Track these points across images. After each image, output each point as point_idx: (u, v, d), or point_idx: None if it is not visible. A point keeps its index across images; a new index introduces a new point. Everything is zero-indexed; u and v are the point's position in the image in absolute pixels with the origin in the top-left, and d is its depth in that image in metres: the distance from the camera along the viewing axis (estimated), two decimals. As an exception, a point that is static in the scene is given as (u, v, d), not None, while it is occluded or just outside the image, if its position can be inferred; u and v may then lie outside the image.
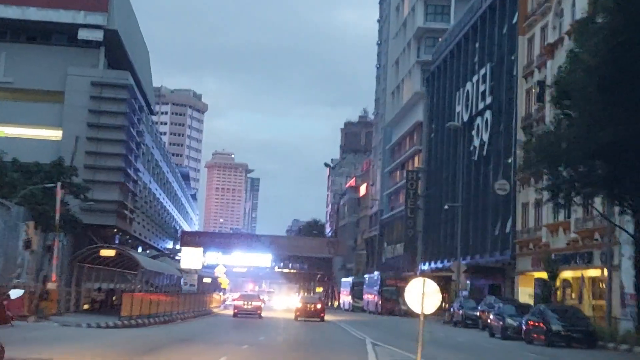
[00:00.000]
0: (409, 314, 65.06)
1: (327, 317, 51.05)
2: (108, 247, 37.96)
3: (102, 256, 37.80)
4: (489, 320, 38.05)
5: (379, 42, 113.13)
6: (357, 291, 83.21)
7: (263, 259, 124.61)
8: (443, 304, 79.89)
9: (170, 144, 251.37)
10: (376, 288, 72.70)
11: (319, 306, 50.38)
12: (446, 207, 58.69)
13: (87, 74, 66.15)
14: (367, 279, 79.43)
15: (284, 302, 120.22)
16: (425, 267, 75.52)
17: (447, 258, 69.38)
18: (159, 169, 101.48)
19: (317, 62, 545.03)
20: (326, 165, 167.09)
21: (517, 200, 52.77)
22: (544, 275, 48.71)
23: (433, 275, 74.16)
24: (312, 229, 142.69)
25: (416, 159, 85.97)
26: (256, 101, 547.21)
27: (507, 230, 54.71)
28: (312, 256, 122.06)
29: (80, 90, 65.34)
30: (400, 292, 69.86)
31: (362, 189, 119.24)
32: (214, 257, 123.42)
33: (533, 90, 50.51)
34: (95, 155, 64.70)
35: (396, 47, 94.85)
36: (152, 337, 28.20)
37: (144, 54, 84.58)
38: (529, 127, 51.22)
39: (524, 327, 32.88)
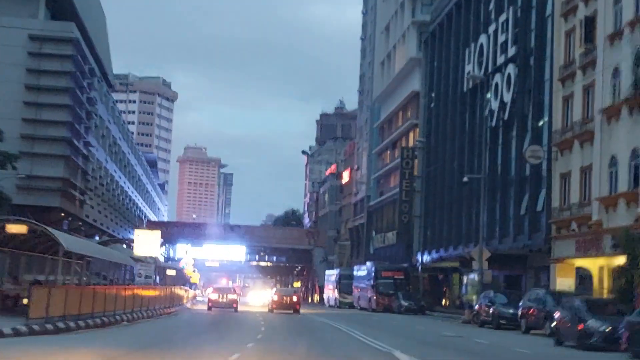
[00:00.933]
0: (411, 310, 54.56)
1: (313, 314, 47.64)
2: (17, 221, 26.80)
3: (11, 234, 26.67)
4: (555, 323, 27.18)
5: (364, 11, 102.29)
6: (344, 285, 72.52)
7: (237, 251, 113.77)
8: (444, 300, 69.95)
9: (138, 133, 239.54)
10: (369, 281, 62.05)
11: (294, 299, 51.01)
12: (465, 179, 47.71)
13: (24, 26, 54.89)
14: (357, 270, 68.70)
15: (260, 297, 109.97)
16: (425, 257, 64.96)
17: (453, 245, 58.89)
18: (117, 148, 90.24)
19: (290, 56, 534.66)
20: (304, 152, 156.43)
21: (554, 170, 42.17)
22: (589, 262, 38.27)
23: (434, 266, 63.63)
24: (290, 219, 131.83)
25: (411, 135, 75.34)
26: (229, 95, 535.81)
27: (539, 208, 44.20)
28: (290, 248, 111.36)
29: (15, 45, 54.10)
30: (398, 285, 59.23)
31: (345, 176, 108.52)
32: (183, 249, 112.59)
33: (578, 30, 39.95)
34: (35, 124, 53.68)
35: (386, 10, 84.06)
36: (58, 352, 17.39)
37: (98, 16, 73.20)
38: (570, 78, 40.74)
39: (624, 334, 22.02)
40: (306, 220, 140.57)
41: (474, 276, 60.09)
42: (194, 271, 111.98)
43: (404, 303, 54.67)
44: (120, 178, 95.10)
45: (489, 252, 42.89)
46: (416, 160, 70.19)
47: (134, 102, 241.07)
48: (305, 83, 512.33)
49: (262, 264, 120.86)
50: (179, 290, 51.88)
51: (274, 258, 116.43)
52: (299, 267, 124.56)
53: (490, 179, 50.22)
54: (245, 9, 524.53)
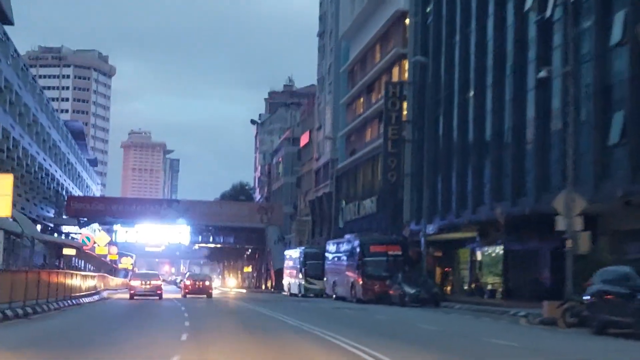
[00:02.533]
0: (420, 300, 36.75)
1: (264, 306, 35.96)
2: None
3: None
4: None
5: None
6: (311, 267, 54.56)
7: (179, 233, 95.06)
8: (448, 285, 52.33)
9: (74, 111, 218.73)
10: (351, 260, 43.68)
11: (207, 283, 51.47)
12: (542, 73, 29.28)
13: None
14: (331, 247, 50.34)
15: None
16: (420, 227, 47.34)
17: (471, 208, 41.33)
18: (23, 107, 70.90)
19: (235, 45, 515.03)
20: (253, 122, 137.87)
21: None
22: None
23: (437, 238, 45.97)
24: (238, 194, 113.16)
25: (395, 70, 57.46)
26: (173, 84, 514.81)
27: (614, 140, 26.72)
28: (239, 227, 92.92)
29: None
30: (393, 264, 41.34)
31: (304, 139, 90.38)
32: (122, 233, 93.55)
33: None
34: None
35: None
36: None
37: None
38: None
39: None
40: (257, 197, 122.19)
41: (494, 249, 42.80)
42: (119, 255, 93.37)
43: (409, 290, 36.61)
44: (30, 146, 75.73)
45: (583, 200, 24.94)
46: (404, 101, 52.40)
47: (68, 77, 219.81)
48: (251, 71, 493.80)
49: (209, 246, 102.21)
50: (69, 280, 33.68)
51: (221, 239, 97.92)
52: (250, 249, 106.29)
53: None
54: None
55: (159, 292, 45.70)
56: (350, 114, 69.29)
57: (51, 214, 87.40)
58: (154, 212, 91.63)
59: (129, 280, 51.52)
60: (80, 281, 38.51)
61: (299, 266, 56.47)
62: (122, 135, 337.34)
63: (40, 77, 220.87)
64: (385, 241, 43.58)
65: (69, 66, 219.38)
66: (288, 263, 62.14)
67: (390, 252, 41.68)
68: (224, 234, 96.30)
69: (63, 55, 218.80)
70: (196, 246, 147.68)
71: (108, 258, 75.93)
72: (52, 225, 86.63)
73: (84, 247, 42.72)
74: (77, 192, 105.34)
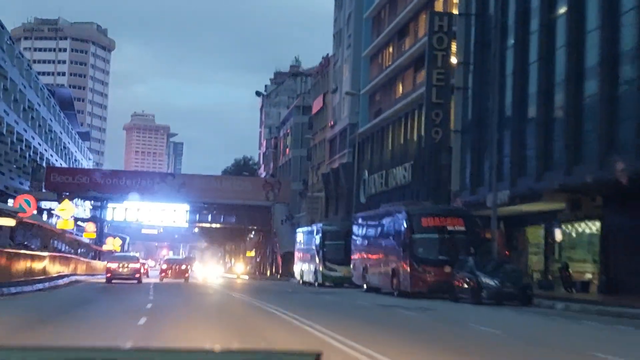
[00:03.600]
0: (505, 296, 24.88)
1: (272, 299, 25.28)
2: None
3: None
4: None
5: None
6: (331, 249, 42.75)
7: (173, 212, 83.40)
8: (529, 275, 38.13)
9: (70, 86, 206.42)
10: (393, 239, 31.50)
11: (183, 267, 50.94)
12: None
13: None
14: (361, 222, 38.13)
15: (205, 271, 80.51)
16: (476, 197, 35.51)
17: (546, 172, 29.45)
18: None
19: (238, 28, 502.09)
20: (258, 93, 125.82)
21: None
22: None
23: (503, 212, 34.02)
24: (242, 170, 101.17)
25: (438, 4, 45.34)
26: (176, 68, 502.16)
27: None
28: (241, 204, 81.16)
29: None
30: (454, 244, 29.46)
31: (316, 104, 78.41)
32: (120, 211, 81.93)
33: None
34: None
35: None
36: None
37: None
38: None
39: None
40: (262, 174, 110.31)
41: (587, 226, 31.09)
42: (105, 235, 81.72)
43: (488, 282, 24.58)
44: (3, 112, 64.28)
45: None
46: (453, 43, 40.45)
47: (64, 50, 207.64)
48: (256, 54, 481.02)
49: (206, 225, 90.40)
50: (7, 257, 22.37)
51: (221, 218, 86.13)
52: (253, 231, 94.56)
53: None
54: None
55: (137, 275, 42.77)
56: (375, 68, 57.35)
57: (26, 187, 75.67)
58: (145, 187, 79.86)
59: (106, 263, 46.86)
60: (15, 262, 26.82)
61: (315, 248, 44.60)
62: (125, 119, 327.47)
63: (35, 50, 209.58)
64: (444, 212, 30.95)
65: (65, 39, 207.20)
66: (300, 245, 50.29)
67: (450, 228, 29.37)
68: (225, 213, 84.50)
69: (60, 27, 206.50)
70: (195, 229, 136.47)
71: (84, 237, 64.20)
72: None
73: (21, 215, 31.16)
74: (62, 162, 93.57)
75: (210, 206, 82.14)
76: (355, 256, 37.71)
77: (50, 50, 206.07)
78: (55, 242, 59.38)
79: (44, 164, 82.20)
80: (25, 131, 73.92)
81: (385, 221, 33.07)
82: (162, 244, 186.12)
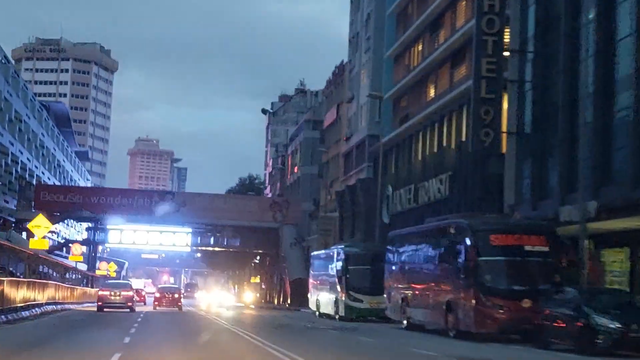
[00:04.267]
0: (633, 344, 17.03)
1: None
2: None
3: None
4: None
5: None
6: (357, 275, 35.28)
7: (173, 235, 76.18)
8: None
9: (72, 108, 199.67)
10: (448, 262, 23.70)
11: (176, 295, 49.82)
12: None
13: None
14: (399, 241, 30.35)
15: (210, 298, 73.03)
16: (538, 212, 28.14)
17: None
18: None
19: (241, 54, 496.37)
20: (264, 111, 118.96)
21: None
22: None
23: (598, 228, 26.41)
24: (247, 189, 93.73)
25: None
26: (180, 94, 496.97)
27: None
28: (247, 226, 73.93)
29: None
30: (535, 270, 21.79)
31: (329, 117, 71.20)
32: (115, 235, 74.80)
33: None
34: None
35: None
36: None
37: None
38: None
39: None
40: (269, 195, 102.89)
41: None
42: (99, 259, 74.42)
43: (607, 324, 17.00)
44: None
45: None
46: (505, 29, 33.21)
47: (67, 71, 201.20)
48: (257, 81, 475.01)
49: (209, 249, 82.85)
50: None
51: (225, 241, 78.64)
52: (259, 255, 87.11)
53: None
54: (194, 8, 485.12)
55: (129, 304, 40.81)
56: (400, 69, 50.13)
57: (12, 206, 68.44)
58: (142, 206, 72.59)
59: (98, 291, 45.15)
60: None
61: (335, 274, 37.03)
62: (129, 144, 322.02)
63: (37, 70, 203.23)
64: (520, 228, 23.46)
65: (67, 59, 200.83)
66: (317, 270, 42.76)
67: (528, 248, 22.03)
68: (229, 235, 77.10)
69: (62, 47, 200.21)
70: (198, 254, 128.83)
71: (69, 259, 56.63)
72: (13, 219, 67.67)
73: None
74: (54, 180, 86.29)
75: (214, 228, 74.69)
76: (390, 284, 30.17)
77: (51, 71, 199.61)
78: (44, 267, 52.11)
79: (34, 182, 74.96)
80: (12, 144, 66.76)
81: (435, 239, 25.56)
82: (164, 269, 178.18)
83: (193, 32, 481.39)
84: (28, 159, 73.35)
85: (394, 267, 30.01)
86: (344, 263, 35.88)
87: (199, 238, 75.11)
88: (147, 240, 74.69)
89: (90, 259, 75.06)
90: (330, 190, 68.53)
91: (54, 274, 55.02)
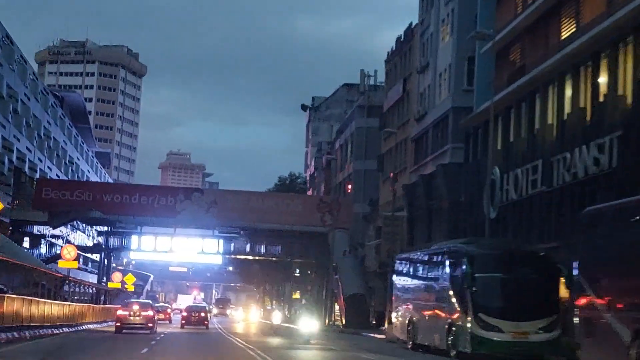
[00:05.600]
0: None
1: None
2: None
3: None
4: None
5: None
6: (489, 289, 21.80)
7: (201, 241, 63.34)
8: None
9: (97, 113, 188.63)
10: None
11: (202, 314, 49.02)
12: None
13: None
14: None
15: (244, 314, 60.28)
16: None
17: None
18: None
19: (271, 70, 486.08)
20: (304, 107, 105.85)
21: None
22: None
23: None
24: (287, 189, 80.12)
25: None
26: (212, 110, 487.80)
27: None
28: (290, 229, 60.72)
29: None
30: None
31: (392, 96, 57.74)
32: (133, 242, 62.17)
33: None
34: None
35: None
36: None
37: None
38: None
39: None
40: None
41: None
42: (110, 269, 61.85)
43: None
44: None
45: None
46: None
47: (92, 74, 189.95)
48: (290, 97, 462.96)
49: (243, 258, 69.47)
50: None
51: (262, 249, 65.35)
52: (298, 268, 73.81)
53: None
54: (228, 24, 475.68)
55: (150, 325, 37.60)
56: (505, 10, 36.54)
57: (5, 203, 55.66)
58: (165, 206, 59.63)
59: (117, 311, 40.99)
60: None
61: (450, 286, 23.35)
62: (160, 158, 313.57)
63: (61, 74, 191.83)
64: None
65: (93, 62, 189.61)
66: (406, 280, 28.98)
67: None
68: (267, 241, 63.88)
69: (87, 50, 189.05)
70: (229, 267, 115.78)
71: (59, 266, 43.30)
72: (7, 220, 55.05)
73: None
74: (61, 175, 73.57)
75: (250, 232, 61.47)
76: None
77: (77, 74, 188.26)
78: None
79: (31, 173, 62.26)
80: (4, 127, 54.18)
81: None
82: (193, 283, 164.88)
83: (224, 48, 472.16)
84: (28, 148, 60.72)
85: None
86: (467, 269, 22.19)
87: (232, 245, 61.92)
88: (170, 247, 61.64)
89: (102, 269, 62.14)
90: (393, 186, 55.01)
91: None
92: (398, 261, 30.39)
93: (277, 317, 47.46)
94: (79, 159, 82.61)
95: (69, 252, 38.11)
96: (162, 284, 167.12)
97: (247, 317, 59.91)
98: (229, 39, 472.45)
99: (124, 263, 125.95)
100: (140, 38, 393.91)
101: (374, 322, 48.88)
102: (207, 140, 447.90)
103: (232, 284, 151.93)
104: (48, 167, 67.84)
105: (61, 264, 41.94)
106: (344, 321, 54.64)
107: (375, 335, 40.49)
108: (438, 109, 45.79)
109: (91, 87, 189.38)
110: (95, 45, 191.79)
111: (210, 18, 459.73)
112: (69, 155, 77.21)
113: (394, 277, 30.15)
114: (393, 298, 29.95)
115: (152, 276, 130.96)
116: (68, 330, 35.69)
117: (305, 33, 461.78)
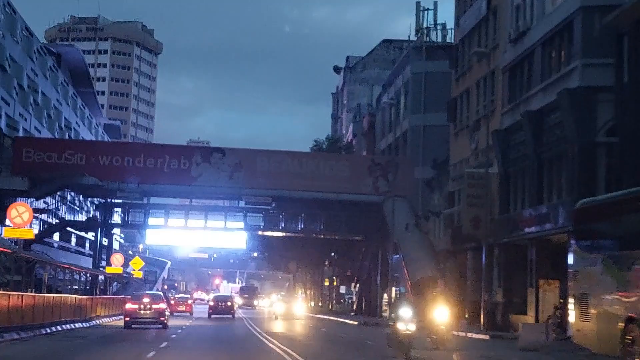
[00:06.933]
0: None
1: None
2: None
3: None
4: None
5: None
6: None
7: (233, 236, 50.54)
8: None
9: (111, 93, 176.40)
10: None
11: (229, 303, 48.94)
12: None
13: None
14: None
15: (279, 307, 47.89)
16: None
17: None
18: None
19: (291, 59, 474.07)
20: (336, 69, 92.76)
21: None
22: None
23: None
24: (331, 150, 65.86)
25: None
26: (231, 100, 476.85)
27: None
28: (335, 199, 47.42)
29: None
30: None
31: (469, 19, 44.10)
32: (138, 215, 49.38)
33: None
34: None
35: None
36: None
37: None
38: None
39: None
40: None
41: None
42: (109, 250, 49.13)
43: None
44: None
45: None
46: None
47: (105, 52, 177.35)
48: (310, 86, 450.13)
49: (269, 234, 56.00)
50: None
51: (300, 225, 52.02)
52: (336, 250, 60.63)
53: None
54: (245, 15, 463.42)
55: (162, 319, 34.41)
56: None
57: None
58: (177, 170, 46.57)
59: (125, 304, 36.60)
60: None
61: None
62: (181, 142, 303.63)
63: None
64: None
65: (106, 40, 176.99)
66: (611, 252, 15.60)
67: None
68: (307, 215, 50.60)
69: (100, 26, 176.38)
70: (254, 253, 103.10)
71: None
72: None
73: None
74: (45, 133, 60.41)
75: (290, 204, 48.19)
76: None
77: (89, 52, 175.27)
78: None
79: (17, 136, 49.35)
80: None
81: None
82: (215, 271, 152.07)
83: (242, 38, 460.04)
84: (4, 100, 47.67)
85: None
86: None
87: (262, 215, 48.80)
88: (184, 222, 48.56)
89: (97, 251, 49.15)
90: (474, 137, 41.51)
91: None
92: (593, 217, 16.93)
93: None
94: (78, 125, 69.56)
95: (20, 213, 24.85)
96: (182, 272, 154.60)
97: (289, 312, 46.73)
98: (246, 29, 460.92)
99: (140, 249, 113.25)
100: (157, 28, 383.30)
101: (466, 316, 35.37)
102: (226, 128, 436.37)
103: (258, 271, 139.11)
104: (36, 129, 54.91)
105: (7, 232, 28.92)
106: (398, 325, 41.32)
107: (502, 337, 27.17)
108: (553, 16, 32.28)
109: (104, 65, 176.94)
110: (107, 21, 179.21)
111: (227, 7, 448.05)
112: (65, 119, 64.19)
113: (576, 249, 16.90)
114: (571, 283, 16.67)
115: (169, 262, 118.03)
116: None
117: (323, 21, 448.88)
